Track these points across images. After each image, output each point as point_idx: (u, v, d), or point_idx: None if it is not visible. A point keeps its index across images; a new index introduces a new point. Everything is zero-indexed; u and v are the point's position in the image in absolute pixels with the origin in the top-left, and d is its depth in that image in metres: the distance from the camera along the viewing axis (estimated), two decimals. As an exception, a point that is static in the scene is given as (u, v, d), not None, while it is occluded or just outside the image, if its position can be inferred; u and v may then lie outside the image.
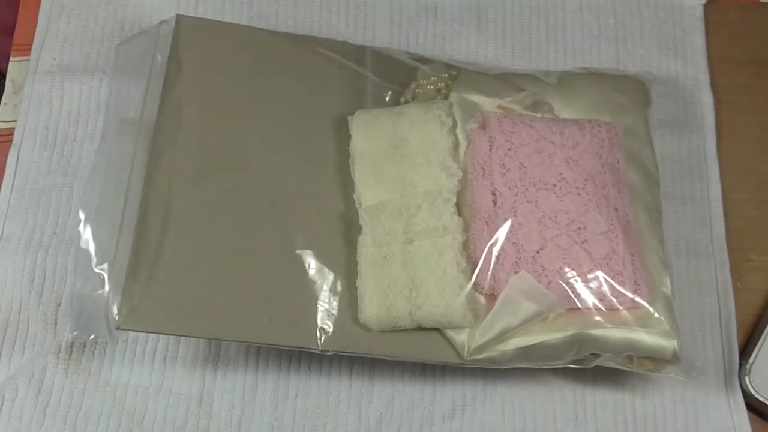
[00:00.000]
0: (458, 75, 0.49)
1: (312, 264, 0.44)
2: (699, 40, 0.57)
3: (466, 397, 0.47)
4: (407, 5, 0.57)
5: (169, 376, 0.47)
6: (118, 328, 0.42)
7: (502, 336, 0.43)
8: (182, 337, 0.48)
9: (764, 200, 0.53)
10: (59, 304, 0.48)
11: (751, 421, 0.47)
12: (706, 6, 0.58)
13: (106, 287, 0.43)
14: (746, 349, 0.49)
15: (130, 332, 0.46)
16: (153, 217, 0.44)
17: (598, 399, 0.48)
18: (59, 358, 0.47)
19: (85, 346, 0.48)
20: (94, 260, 0.44)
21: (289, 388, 0.47)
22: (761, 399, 0.46)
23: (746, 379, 0.47)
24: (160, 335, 0.48)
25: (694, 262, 0.51)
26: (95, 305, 0.44)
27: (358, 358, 0.46)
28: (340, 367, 0.48)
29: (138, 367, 0.47)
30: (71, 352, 0.47)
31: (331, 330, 0.43)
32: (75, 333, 0.45)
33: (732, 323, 0.49)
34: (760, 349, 0.47)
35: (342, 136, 0.47)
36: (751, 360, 0.47)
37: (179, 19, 0.49)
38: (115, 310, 0.42)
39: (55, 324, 0.48)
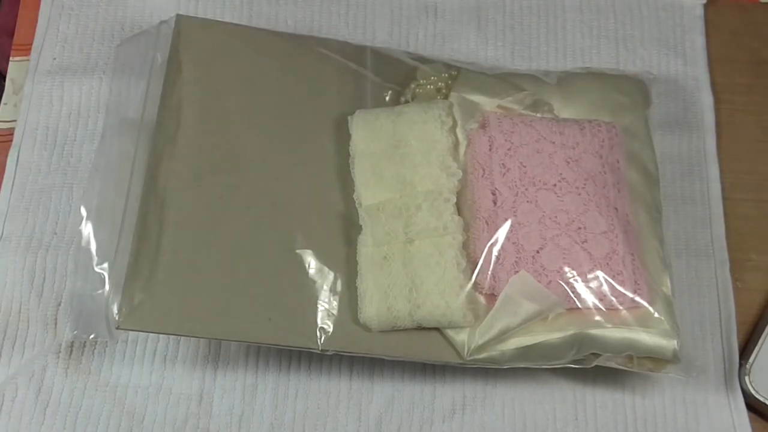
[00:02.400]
0: (458, 75, 0.49)
1: (312, 264, 0.44)
2: (699, 40, 0.57)
3: (466, 397, 0.47)
4: (407, 5, 0.57)
5: (169, 376, 0.47)
6: (118, 328, 0.42)
7: (502, 336, 0.43)
8: (182, 337, 0.48)
9: (764, 200, 0.53)
10: (59, 304, 0.48)
11: (751, 421, 0.47)
12: (706, 6, 0.58)
13: (106, 287, 0.43)
14: (746, 349, 0.49)
15: (130, 332, 0.46)
16: (153, 217, 0.44)
17: (598, 399, 0.48)
18: (59, 358, 0.47)
19: (85, 346, 0.48)
20: (95, 260, 0.44)
21: (289, 388, 0.47)
22: (761, 399, 0.46)
23: (746, 379, 0.47)
24: (160, 335, 0.48)
25: (694, 262, 0.51)
26: (95, 305, 0.44)
27: (358, 358, 0.46)
28: (340, 367, 0.48)
29: (138, 367, 0.47)
30: (71, 352, 0.47)
31: (331, 330, 0.43)
32: (75, 333, 0.45)
33: (732, 323, 0.49)
34: (760, 349, 0.47)
35: (342, 136, 0.47)
36: (751, 360, 0.47)
37: (179, 19, 0.49)
38: (115, 309, 0.42)
39: (55, 324, 0.48)
